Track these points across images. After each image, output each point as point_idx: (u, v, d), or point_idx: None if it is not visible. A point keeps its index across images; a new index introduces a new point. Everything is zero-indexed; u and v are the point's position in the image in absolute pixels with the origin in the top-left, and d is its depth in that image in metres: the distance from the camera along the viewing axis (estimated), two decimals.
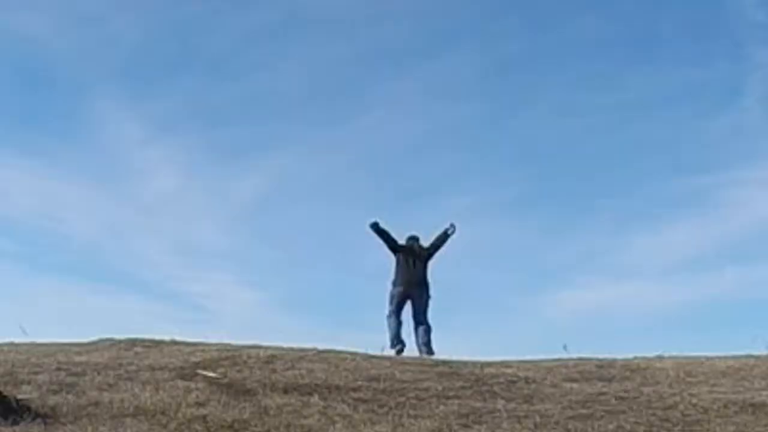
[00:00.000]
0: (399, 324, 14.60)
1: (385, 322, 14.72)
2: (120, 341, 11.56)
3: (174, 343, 11.51)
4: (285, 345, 11.32)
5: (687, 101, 26.13)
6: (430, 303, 14.84)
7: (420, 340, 14.13)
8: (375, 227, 14.97)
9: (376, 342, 11.59)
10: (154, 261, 23.88)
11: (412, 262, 14.97)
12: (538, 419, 7.04)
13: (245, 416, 6.82)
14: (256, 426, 6.50)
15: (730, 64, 26.36)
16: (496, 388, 8.80)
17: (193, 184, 25.89)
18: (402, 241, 15.41)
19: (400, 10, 25.63)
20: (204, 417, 6.74)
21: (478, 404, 7.84)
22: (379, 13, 25.74)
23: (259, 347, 11.04)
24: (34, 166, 25.92)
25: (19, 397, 6.98)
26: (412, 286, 14.74)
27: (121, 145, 25.65)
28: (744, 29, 25.18)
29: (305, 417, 6.90)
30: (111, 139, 25.73)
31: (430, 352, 13.73)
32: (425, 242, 15.47)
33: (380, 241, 15.12)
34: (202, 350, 10.81)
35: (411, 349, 13.05)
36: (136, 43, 26.80)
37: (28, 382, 8.04)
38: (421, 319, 14.49)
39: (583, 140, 24.78)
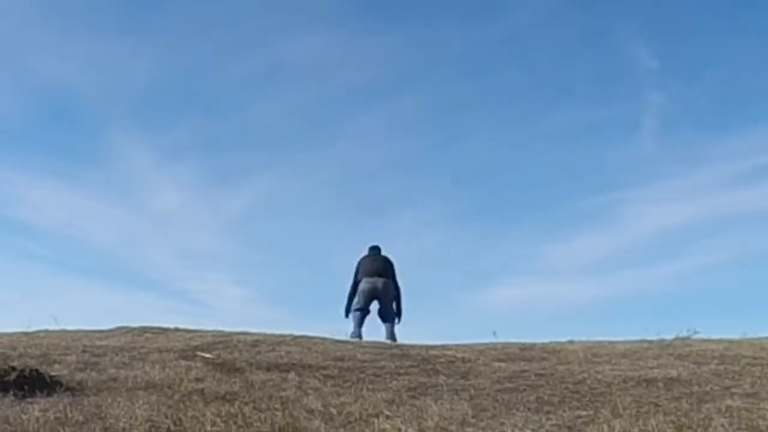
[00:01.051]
0: (363, 317, 13.84)
1: (351, 315, 13.95)
2: (133, 329, 11.68)
3: (177, 330, 11.64)
4: (268, 332, 11.40)
5: (593, 135, 26.86)
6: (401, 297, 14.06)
7: (386, 334, 13.48)
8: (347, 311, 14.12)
9: (341, 329, 11.80)
10: (160, 264, 24.29)
11: (374, 260, 14.13)
12: (472, 392, 7.14)
13: (235, 389, 6.91)
14: (244, 397, 6.53)
15: (629, 105, 27.09)
16: (438, 367, 8.91)
17: (194, 201, 26.47)
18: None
19: (362, 58, 26.20)
20: (202, 390, 6.83)
21: (424, 379, 7.96)
22: (345, 61, 26.27)
23: (247, 333, 11.16)
24: (63, 186, 26.44)
25: (52, 373, 7.07)
26: (377, 283, 13.80)
27: (134, 169, 26.28)
28: (640, 75, 25.93)
29: (284, 390, 7.00)
30: (126, 165, 26.28)
31: (394, 340, 12.99)
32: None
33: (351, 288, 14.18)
34: (201, 336, 10.96)
35: (372, 335, 13.02)
36: (148, 86, 27.39)
37: (59, 362, 8.15)
38: (386, 314, 13.80)
39: (510, 166, 25.54)
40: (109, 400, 6.13)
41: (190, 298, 23.73)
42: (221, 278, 24.01)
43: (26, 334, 11.18)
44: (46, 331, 11.45)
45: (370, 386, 7.49)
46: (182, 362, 8.59)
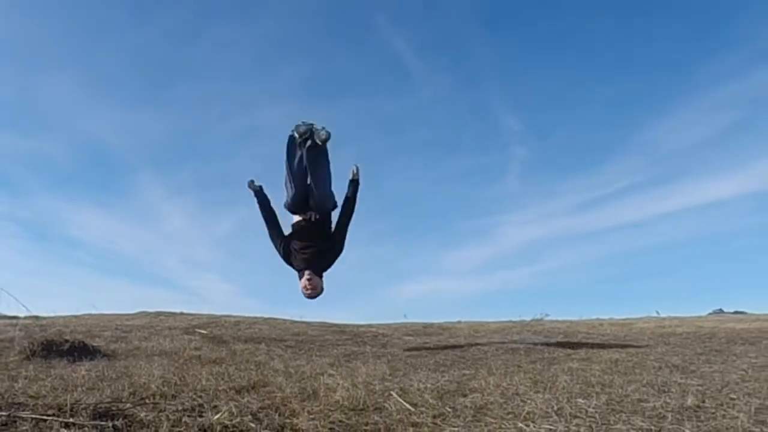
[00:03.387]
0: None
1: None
2: (151, 313, 11.53)
3: (182, 314, 11.47)
4: (246, 315, 11.38)
5: (475, 177, 27.40)
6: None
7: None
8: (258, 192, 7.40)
9: (297, 314, 11.76)
10: (170, 268, 24.17)
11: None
12: (389, 357, 7.17)
13: (223, 355, 6.88)
14: (229, 361, 6.44)
15: (500, 155, 27.57)
16: (366, 339, 8.95)
17: (194, 224, 26.40)
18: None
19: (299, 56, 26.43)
20: (199, 356, 6.79)
21: (356, 348, 7.95)
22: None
23: (231, 316, 11.05)
24: (102, 213, 26.32)
25: (94, 344, 7.05)
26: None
27: (152, 201, 26.27)
28: (508, 135, 26.72)
29: (257, 356, 6.96)
30: (147, 197, 26.30)
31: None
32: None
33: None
34: (198, 318, 10.83)
35: (319, 315, 12.23)
36: (162, 141, 27.39)
37: (99, 336, 8.07)
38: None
39: (419, 199, 25.85)
40: (134, 362, 6.10)
41: (191, 292, 23.60)
42: (213, 277, 23.94)
43: (75, 317, 11.03)
44: (90, 314, 11.25)
45: (317, 353, 7.47)
46: (185, 336, 8.50)
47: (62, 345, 6.63)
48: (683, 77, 27.20)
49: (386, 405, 4.17)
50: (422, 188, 27.83)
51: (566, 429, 2.99)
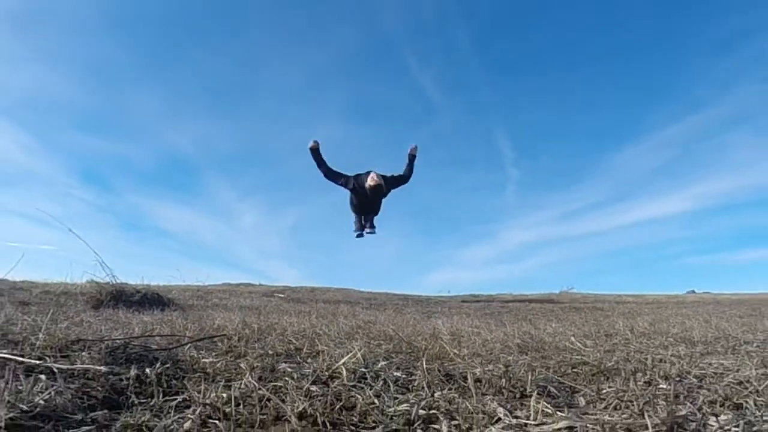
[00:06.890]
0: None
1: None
2: (234, 284, 10.11)
3: (260, 284, 10.02)
4: (318, 285, 9.95)
5: (480, 192, 26.90)
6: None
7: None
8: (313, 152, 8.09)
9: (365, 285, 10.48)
10: (245, 256, 23.75)
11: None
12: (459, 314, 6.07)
13: (306, 309, 5.62)
14: (311, 312, 5.28)
15: (500, 175, 27.43)
16: (428, 305, 7.76)
17: (264, 220, 26.15)
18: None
19: (350, 139, 25.96)
20: (281, 310, 5.51)
21: (427, 309, 6.88)
22: (343, 140, 26.12)
23: (304, 287, 9.62)
24: (183, 209, 25.90)
25: (169, 296, 5.80)
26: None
27: (226, 201, 26.06)
28: (505, 159, 26.84)
29: (341, 311, 5.78)
30: (221, 197, 26.07)
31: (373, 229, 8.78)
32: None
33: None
34: (275, 287, 9.38)
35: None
36: (232, 151, 27.20)
37: (180, 295, 6.94)
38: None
39: (439, 207, 25.37)
40: (211, 313, 4.70)
41: (262, 274, 23.12)
42: (281, 263, 23.70)
43: (163, 285, 9.62)
44: (177, 285, 9.71)
45: (401, 312, 6.36)
46: (264, 298, 7.10)
47: (132, 296, 4.98)
48: (635, 120, 27.37)
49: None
50: (442, 200, 27.43)
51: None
